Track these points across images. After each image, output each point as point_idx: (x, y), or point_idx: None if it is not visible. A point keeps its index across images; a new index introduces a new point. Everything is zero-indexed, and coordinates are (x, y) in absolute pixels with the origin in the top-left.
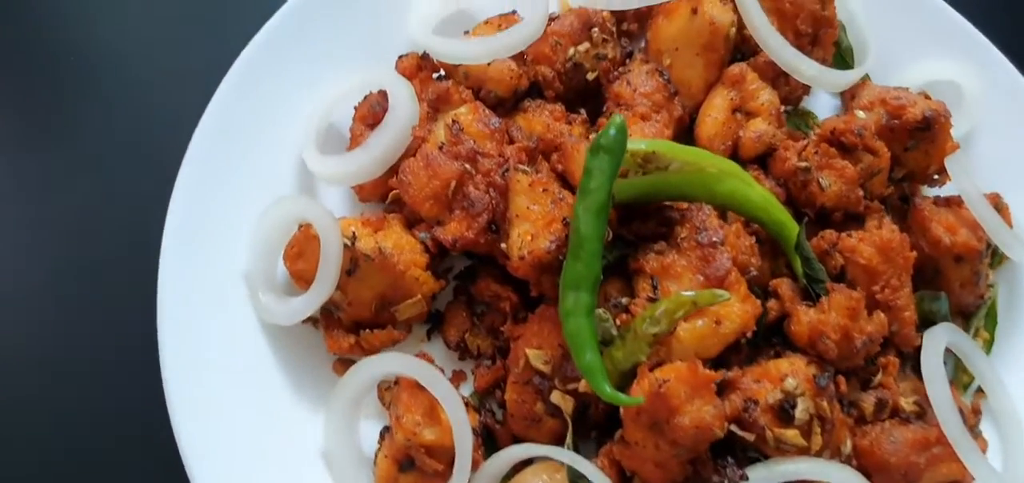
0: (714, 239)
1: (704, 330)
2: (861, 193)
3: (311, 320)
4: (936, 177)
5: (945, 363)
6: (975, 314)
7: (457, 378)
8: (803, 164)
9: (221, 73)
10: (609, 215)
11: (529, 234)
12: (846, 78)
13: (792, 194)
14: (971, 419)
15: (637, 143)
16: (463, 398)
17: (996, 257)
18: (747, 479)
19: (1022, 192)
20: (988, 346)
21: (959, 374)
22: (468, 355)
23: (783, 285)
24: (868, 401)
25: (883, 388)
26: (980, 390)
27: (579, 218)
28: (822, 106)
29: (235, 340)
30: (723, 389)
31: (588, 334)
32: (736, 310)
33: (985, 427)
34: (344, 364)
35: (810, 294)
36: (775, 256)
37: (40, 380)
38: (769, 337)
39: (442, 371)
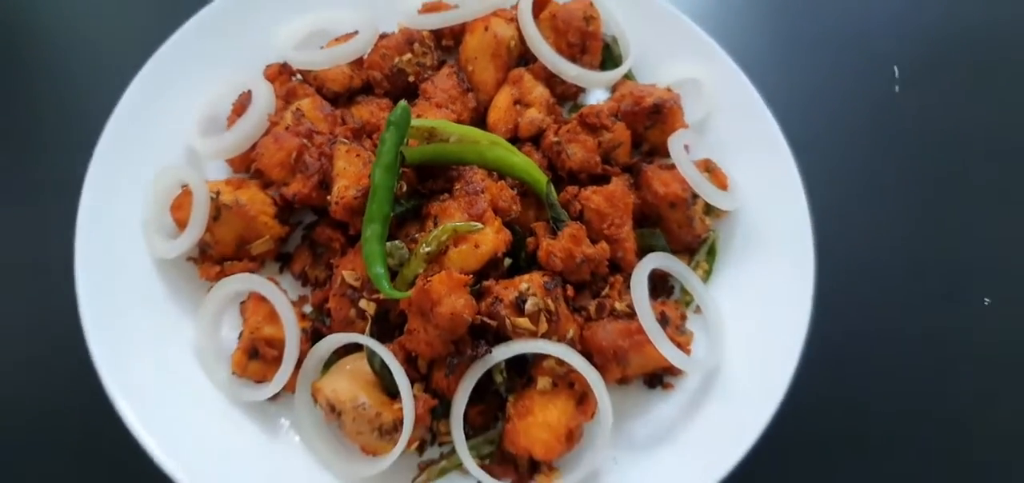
0: (477, 190)
1: (466, 252)
2: (598, 160)
3: (192, 259)
4: None
5: (674, 287)
6: (698, 250)
7: (301, 301)
8: (556, 139)
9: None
10: (400, 173)
11: (345, 186)
12: (602, 78)
13: (552, 163)
14: (677, 321)
15: (422, 121)
16: (304, 313)
17: (713, 208)
18: (490, 352)
19: (743, 157)
20: (707, 275)
21: (683, 294)
22: (309, 283)
23: (539, 226)
24: (592, 305)
25: (608, 298)
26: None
27: (375, 174)
28: (598, 99)
29: (140, 273)
30: (481, 294)
31: (377, 254)
32: (490, 237)
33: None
34: None
35: (556, 231)
36: (539, 207)
37: None
38: (531, 265)
39: (282, 289)
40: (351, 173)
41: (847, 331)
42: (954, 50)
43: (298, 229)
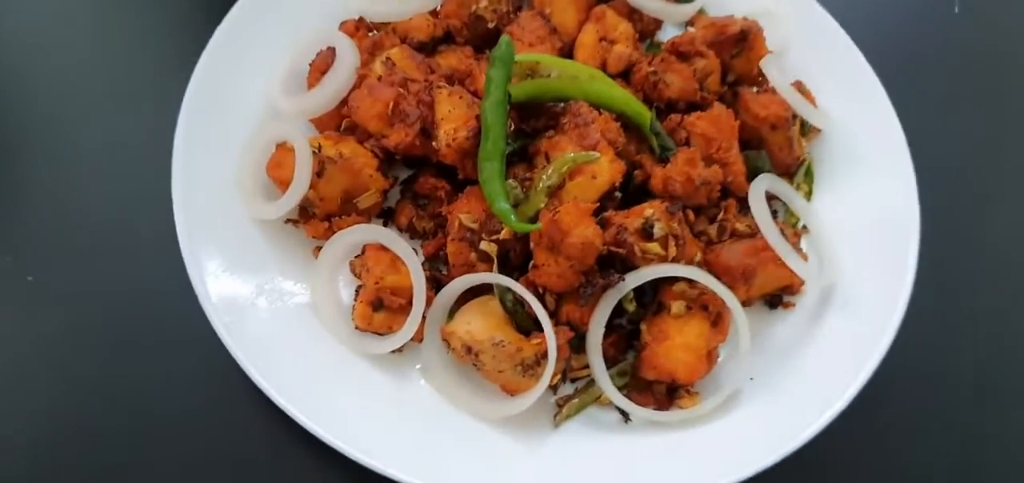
0: (587, 121)
1: (584, 184)
2: (697, 86)
3: (292, 222)
4: (760, 79)
5: (777, 211)
6: (796, 173)
7: None
8: (651, 70)
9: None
10: (508, 110)
11: (453, 128)
12: (682, 11)
13: (647, 96)
14: (792, 240)
15: (526, 56)
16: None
17: (805, 129)
18: (623, 279)
19: (825, 81)
20: (808, 196)
21: (788, 216)
22: (416, 235)
23: (644, 157)
24: (713, 229)
25: (726, 220)
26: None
27: (486, 112)
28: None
29: (238, 238)
30: (604, 225)
31: (500, 189)
32: (606, 167)
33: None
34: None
35: (664, 160)
36: (640, 141)
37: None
38: (640, 198)
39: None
40: (457, 116)
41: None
42: None
43: (395, 185)
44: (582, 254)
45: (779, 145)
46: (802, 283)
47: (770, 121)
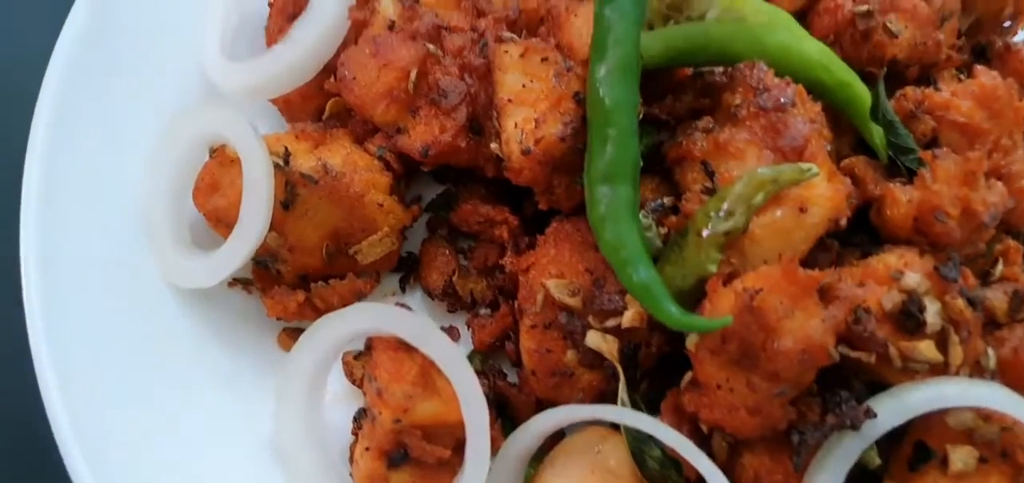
0: (782, 100)
1: (786, 222)
2: (941, 37)
3: (241, 283)
4: (1008, 24)
5: None
6: None
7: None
8: (863, 8)
9: None
10: (638, 78)
11: (531, 121)
12: None
13: (848, 54)
14: None
15: None
16: None
17: None
18: (875, 416)
19: None
20: None
21: None
22: (459, 305)
23: (859, 164)
24: (998, 297)
25: (1008, 281)
26: None
27: (599, 86)
28: None
29: (135, 320)
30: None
31: (637, 241)
32: (822, 191)
33: None
34: (293, 335)
35: (900, 170)
36: (838, 134)
37: None
38: (850, 236)
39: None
40: (538, 94)
41: None
42: None
43: (420, 214)
44: (799, 369)
45: None
46: None
47: None
